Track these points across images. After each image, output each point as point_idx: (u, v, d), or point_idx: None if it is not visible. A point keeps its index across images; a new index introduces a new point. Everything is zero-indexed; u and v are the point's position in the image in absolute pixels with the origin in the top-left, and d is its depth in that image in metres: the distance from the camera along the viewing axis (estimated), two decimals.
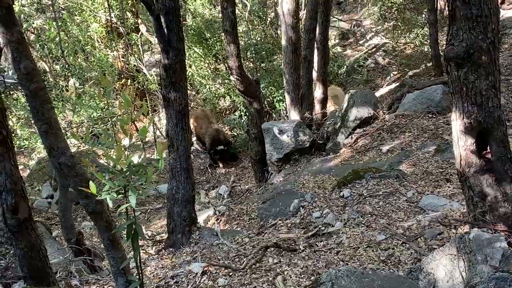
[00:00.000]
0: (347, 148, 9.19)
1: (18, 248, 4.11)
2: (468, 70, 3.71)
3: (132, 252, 3.52)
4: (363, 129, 9.35)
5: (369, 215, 6.01)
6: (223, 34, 9.51)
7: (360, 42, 17.84)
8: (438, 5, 12.31)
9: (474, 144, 3.88)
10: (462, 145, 3.95)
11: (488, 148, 3.89)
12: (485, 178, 3.91)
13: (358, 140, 9.17)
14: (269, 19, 15.77)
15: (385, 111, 9.57)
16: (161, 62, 6.56)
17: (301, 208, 6.77)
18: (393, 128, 9.06)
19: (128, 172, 3.17)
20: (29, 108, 3.59)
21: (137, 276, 3.57)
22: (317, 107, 11.04)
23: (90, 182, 3.19)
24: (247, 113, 11.32)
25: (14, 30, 3.33)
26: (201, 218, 8.49)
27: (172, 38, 6.41)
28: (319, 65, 10.96)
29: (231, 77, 9.35)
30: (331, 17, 14.77)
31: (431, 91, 9.33)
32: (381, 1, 15.76)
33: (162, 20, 6.40)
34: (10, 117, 14.05)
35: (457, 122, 3.92)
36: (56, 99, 12.41)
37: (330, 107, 11.46)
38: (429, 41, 11.57)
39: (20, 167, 15.71)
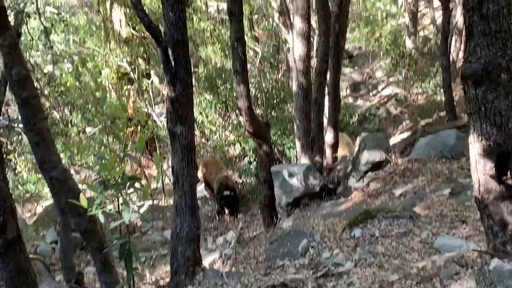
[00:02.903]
0: (358, 192, 8.92)
1: (5, 271, 3.85)
2: (487, 88, 3.51)
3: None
4: (374, 173, 9.11)
5: (382, 256, 5.70)
6: (233, 82, 9.43)
7: (372, 93, 17.78)
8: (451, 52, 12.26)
9: (494, 169, 3.64)
10: (481, 170, 3.71)
11: (508, 173, 3.65)
12: (505, 205, 3.66)
13: (370, 184, 8.91)
14: (280, 66, 15.78)
15: (397, 156, 9.34)
16: (167, 95, 6.43)
17: (310, 248, 6.47)
18: (405, 172, 8.81)
19: (121, 185, 2.94)
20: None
21: None
22: (328, 152, 10.84)
23: (81, 195, 2.97)
24: (256, 157, 11.13)
25: (7, 34, 3.18)
26: (206, 261, 8.21)
27: (179, 71, 6.29)
28: (330, 110, 10.83)
29: (240, 118, 9.23)
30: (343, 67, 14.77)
31: (445, 135, 9.13)
32: (393, 53, 15.75)
33: (170, 52, 6.30)
34: (18, 161, 13.98)
35: (475, 145, 3.69)
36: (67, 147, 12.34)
37: (341, 153, 11.26)
38: (441, 89, 11.47)
39: (27, 214, 15.62)
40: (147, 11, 6.83)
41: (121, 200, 3.01)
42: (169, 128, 6.57)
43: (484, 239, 4.11)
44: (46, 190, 13.96)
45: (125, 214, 2.97)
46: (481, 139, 3.60)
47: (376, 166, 9.18)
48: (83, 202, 2.94)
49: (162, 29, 6.47)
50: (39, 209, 15.25)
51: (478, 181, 3.75)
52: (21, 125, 14.50)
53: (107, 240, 3.55)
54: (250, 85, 9.44)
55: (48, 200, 14.49)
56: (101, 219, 3.01)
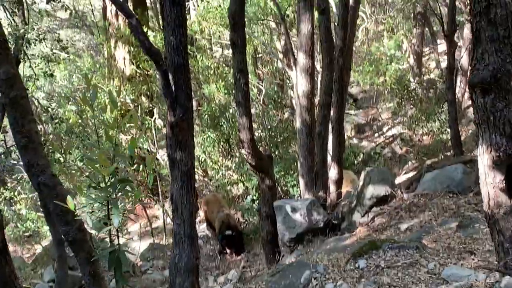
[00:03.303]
0: (363, 227, 8.70)
1: None
2: (495, 97, 3.35)
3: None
4: (380, 207, 8.90)
5: (387, 287, 5.49)
6: (236, 113, 9.33)
7: (377, 134, 17.69)
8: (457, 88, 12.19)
9: (504, 181, 3.45)
10: (490, 183, 3.52)
11: None
12: None
13: (375, 219, 8.69)
14: (284, 103, 15.76)
15: (403, 191, 9.14)
16: (167, 120, 6.31)
17: (313, 279, 6.23)
18: (411, 207, 8.60)
19: (111, 187, 2.77)
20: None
21: None
22: (332, 188, 10.63)
23: (68, 197, 2.80)
24: (259, 192, 10.95)
25: None
26: None
27: (179, 95, 6.18)
28: (334, 145, 10.67)
29: (242, 151, 9.07)
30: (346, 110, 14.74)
31: (451, 170, 8.95)
32: (398, 92, 15.74)
33: (170, 77, 6.21)
34: (18, 199, 13.83)
35: (484, 157, 3.52)
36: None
37: (346, 189, 11.05)
38: (447, 128, 11.36)
39: (27, 254, 15.36)
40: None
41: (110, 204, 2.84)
42: (169, 154, 6.41)
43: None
44: (46, 228, 13.76)
45: (115, 218, 2.79)
46: (490, 150, 3.43)
47: (381, 200, 8.97)
48: (70, 204, 2.77)
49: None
50: (39, 249, 15.04)
51: (488, 195, 3.56)
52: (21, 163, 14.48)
53: (96, 251, 3.36)
54: (253, 124, 9.32)
55: (47, 239, 14.25)
56: (89, 222, 2.83)
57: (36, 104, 13.90)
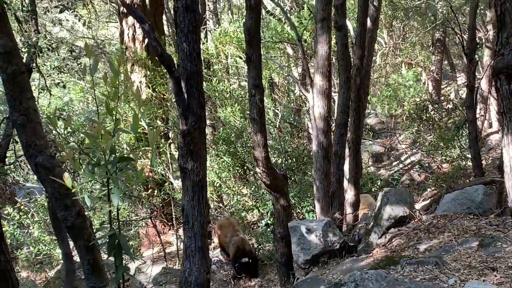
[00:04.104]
0: (380, 248, 8.42)
1: None
2: None
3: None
4: (397, 228, 8.62)
5: None
6: (251, 130, 9.19)
7: (395, 163, 17.45)
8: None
9: None
10: None
11: None
12: None
13: (393, 240, 8.41)
14: (300, 127, 15.63)
15: (421, 212, 8.88)
16: (179, 128, 6.20)
17: None
18: (430, 228, 8.32)
19: (111, 164, 2.61)
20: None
21: None
22: (348, 210, 10.39)
23: (65, 174, 2.64)
24: (273, 213, 10.73)
25: None
26: None
27: (192, 103, 6.09)
28: (351, 167, 10.46)
29: (257, 169, 8.88)
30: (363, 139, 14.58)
31: (472, 191, 8.68)
32: (416, 117, 15.55)
33: (183, 84, 6.12)
34: (30, 221, 13.74)
35: (509, 147, 3.31)
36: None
37: (362, 211, 10.80)
38: (466, 154, 11.12)
39: (39, 280, 15.19)
40: None
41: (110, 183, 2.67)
42: (180, 164, 6.28)
43: None
44: (58, 251, 13.63)
45: (115, 198, 2.62)
46: None
47: (399, 221, 8.70)
48: (67, 182, 2.61)
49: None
50: (51, 274, 14.88)
51: None
52: (34, 185, 14.41)
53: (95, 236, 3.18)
54: (269, 149, 9.17)
55: (60, 263, 14.08)
56: (88, 202, 2.66)
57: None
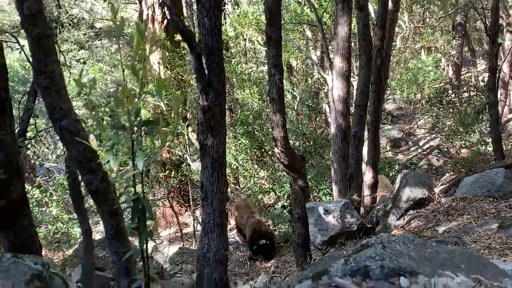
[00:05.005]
0: (399, 230, 8.39)
1: (7, 237, 3.50)
2: None
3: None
4: (416, 210, 8.58)
5: None
6: (269, 111, 9.14)
7: (413, 148, 17.33)
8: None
9: None
10: None
11: None
12: None
13: (411, 222, 8.38)
14: (318, 110, 15.57)
15: (441, 195, 8.81)
16: (199, 104, 6.18)
17: None
18: (449, 211, 8.28)
19: (136, 126, 2.60)
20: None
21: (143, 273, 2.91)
22: (366, 192, 10.35)
23: (91, 135, 2.63)
24: (290, 194, 10.72)
25: None
26: None
27: (212, 79, 6.05)
28: (369, 149, 10.41)
29: (275, 149, 8.84)
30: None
31: (492, 174, 8.59)
32: (436, 101, 15.40)
33: (203, 60, 6.09)
34: (50, 199, 13.86)
35: None
36: None
37: (380, 194, 10.74)
38: (486, 139, 11.00)
39: (57, 259, 15.35)
40: None
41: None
42: (200, 140, 6.27)
43: None
44: (76, 230, 13.76)
45: (139, 161, 2.62)
46: None
47: (418, 203, 8.66)
48: (92, 143, 2.61)
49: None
50: (69, 253, 15.02)
51: None
52: (53, 164, 14.53)
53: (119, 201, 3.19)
54: (288, 131, 9.13)
55: (77, 241, 14.20)
56: (112, 165, 2.66)
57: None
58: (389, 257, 2.67)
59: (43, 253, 15.16)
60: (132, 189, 2.75)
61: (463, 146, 14.63)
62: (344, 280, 2.66)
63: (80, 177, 3.22)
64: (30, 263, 3.06)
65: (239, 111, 15.18)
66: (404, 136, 19.11)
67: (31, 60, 3.11)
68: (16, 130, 4.69)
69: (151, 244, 13.54)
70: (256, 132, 14.44)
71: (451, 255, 2.77)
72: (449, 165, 14.00)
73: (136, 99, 2.70)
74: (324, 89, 16.55)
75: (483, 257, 2.98)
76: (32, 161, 12.73)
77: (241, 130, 14.39)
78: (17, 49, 8.16)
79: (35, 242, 3.63)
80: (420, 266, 2.63)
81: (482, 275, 2.64)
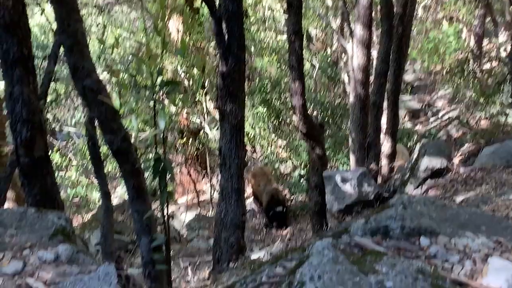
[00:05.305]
0: None
1: (30, 194, 3.56)
2: None
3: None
4: (434, 180, 8.54)
5: None
6: (289, 78, 9.10)
7: (432, 119, 17.20)
8: None
9: None
10: None
11: None
12: None
13: (429, 191, 8.35)
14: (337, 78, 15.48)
15: (459, 165, 8.76)
16: (218, 69, 6.18)
17: None
18: (468, 181, 8.22)
19: (158, 86, 2.60)
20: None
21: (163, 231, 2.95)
22: (384, 162, 10.32)
23: (113, 94, 2.65)
24: (308, 162, 10.74)
25: None
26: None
27: (232, 44, 6.04)
28: (389, 118, 10.35)
29: (293, 117, 8.84)
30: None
31: None
32: (456, 71, 15.23)
33: (224, 25, 6.06)
34: (69, 164, 14.02)
35: None
36: None
37: (398, 163, 10.71)
38: (507, 109, 10.87)
39: (75, 223, 15.59)
40: None
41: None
42: (219, 106, 6.28)
43: None
44: (95, 194, 13.92)
45: (161, 121, 2.63)
46: None
47: (436, 173, 8.62)
48: (115, 103, 2.63)
49: None
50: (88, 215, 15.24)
51: None
52: (72, 128, 14.67)
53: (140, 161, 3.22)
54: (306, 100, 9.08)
55: (96, 205, 14.39)
56: (134, 123, 2.68)
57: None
58: (409, 217, 2.68)
59: None
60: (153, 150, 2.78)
61: (483, 117, 14.48)
62: (364, 239, 2.67)
63: (100, 139, 3.26)
64: (53, 218, 3.10)
65: (257, 79, 15.12)
66: (424, 107, 18.95)
67: (52, 22, 3.11)
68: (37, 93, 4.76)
69: (170, 207, 13.74)
70: (274, 101, 14.40)
71: (472, 217, 2.77)
72: (469, 136, 13.87)
73: (158, 59, 2.70)
74: (343, 58, 16.39)
75: (503, 220, 2.97)
76: (52, 125, 12.85)
77: (259, 99, 14.37)
78: (38, 11, 8.18)
79: (57, 200, 3.69)
80: (440, 226, 2.63)
81: (502, 237, 2.64)
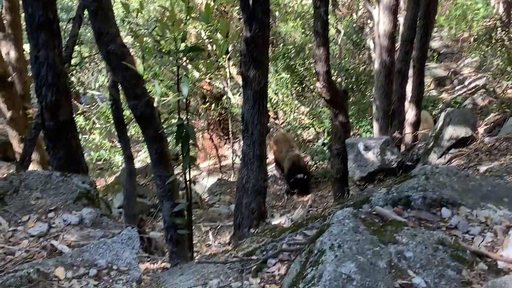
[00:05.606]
0: None
1: (55, 158, 3.61)
2: None
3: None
4: (458, 149, 8.44)
5: None
6: (312, 60, 9.01)
7: (458, 87, 16.94)
8: None
9: None
10: None
11: None
12: None
13: (452, 160, 8.27)
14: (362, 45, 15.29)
15: (484, 134, 8.65)
16: (242, 35, 6.12)
17: None
18: (492, 150, 8.13)
19: (182, 52, 2.59)
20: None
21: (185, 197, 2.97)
22: (408, 130, 10.23)
23: (138, 60, 2.64)
24: (330, 130, 10.69)
25: None
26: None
27: (256, 9, 5.96)
28: (414, 86, 10.21)
29: (317, 84, 8.76)
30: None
31: None
32: (484, 39, 14.92)
33: None
34: (93, 127, 14.15)
35: None
36: None
37: (422, 131, 10.61)
38: None
39: (99, 186, 15.81)
40: None
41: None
42: (242, 71, 6.25)
43: None
44: (118, 157, 14.06)
45: (184, 87, 2.62)
46: None
47: (461, 142, 8.51)
48: (139, 68, 2.63)
49: None
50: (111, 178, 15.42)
51: None
52: (96, 92, 14.72)
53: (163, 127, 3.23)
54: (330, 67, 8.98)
55: (119, 168, 14.54)
56: (157, 90, 2.68)
57: None
58: (431, 188, 2.67)
59: None
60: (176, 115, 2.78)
61: (510, 86, 14.22)
62: (385, 209, 2.67)
63: (124, 103, 3.26)
64: (78, 182, 3.16)
65: (281, 45, 15.00)
66: (450, 74, 18.66)
67: None
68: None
69: (192, 172, 13.84)
70: (297, 67, 14.29)
71: (494, 189, 2.74)
72: (494, 105, 13.66)
73: (182, 24, 2.68)
74: (369, 23, 16.15)
75: None
76: (76, 88, 12.91)
77: (282, 64, 14.27)
78: None
79: (82, 163, 3.74)
80: (462, 197, 2.62)
81: None
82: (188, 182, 2.99)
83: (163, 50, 2.68)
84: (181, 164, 2.97)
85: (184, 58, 2.75)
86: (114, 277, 2.55)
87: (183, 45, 2.68)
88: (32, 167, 9.54)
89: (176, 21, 2.61)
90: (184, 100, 2.73)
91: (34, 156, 9.68)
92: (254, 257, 2.77)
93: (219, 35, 14.05)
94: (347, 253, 2.10)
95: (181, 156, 2.88)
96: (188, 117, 2.83)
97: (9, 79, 10.14)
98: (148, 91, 3.11)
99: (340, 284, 1.98)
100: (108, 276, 2.55)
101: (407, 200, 2.69)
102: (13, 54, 10.55)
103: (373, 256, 2.11)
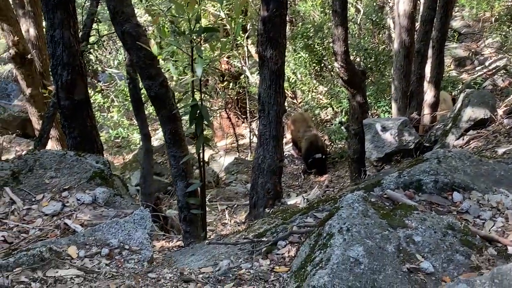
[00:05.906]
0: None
1: (70, 137, 3.65)
2: None
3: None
4: (476, 131, 8.37)
5: None
6: (332, 23, 8.92)
7: (478, 68, 16.74)
8: None
9: None
10: None
11: None
12: None
13: (470, 142, 8.20)
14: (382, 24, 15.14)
15: (503, 116, 8.55)
16: (259, 14, 6.10)
17: None
18: (511, 132, 8.07)
19: (196, 33, 2.59)
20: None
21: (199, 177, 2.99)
22: (427, 111, 10.16)
23: (151, 40, 2.65)
24: (348, 110, 10.63)
25: None
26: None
27: None
28: (433, 66, 10.11)
29: (335, 64, 8.70)
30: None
31: None
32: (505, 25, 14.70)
33: None
34: (111, 105, 14.24)
35: None
36: None
37: (441, 112, 10.53)
38: None
39: (117, 163, 15.95)
40: None
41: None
42: (259, 51, 6.24)
43: None
44: (136, 135, 14.16)
45: (198, 68, 2.63)
46: None
47: (479, 124, 8.43)
48: (153, 48, 2.64)
49: None
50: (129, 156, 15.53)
51: None
52: (114, 70, 14.79)
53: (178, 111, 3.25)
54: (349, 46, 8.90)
55: (137, 146, 14.65)
56: (172, 71, 2.69)
57: None
58: (443, 172, 2.66)
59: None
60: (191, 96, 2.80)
61: None
62: (396, 192, 2.67)
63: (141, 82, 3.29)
64: (92, 161, 3.19)
65: (300, 23, 14.89)
66: (470, 55, 18.44)
67: None
68: (80, 34, 4.82)
69: (207, 152, 13.89)
70: (316, 46, 14.19)
71: (507, 173, 2.73)
72: None
73: (197, 5, 2.68)
74: (389, 2, 15.97)
75: None
76: (95, 66, 12.98)
77: (301, 44, 14.18)
78: None
79: (97, 143, 3.77)
80: (474, 182, 2.61)
81: None
82: (202, 163, 3.00)
83: (178, 31, 2.68)
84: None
85: (199, 39, 2.75)
86: (126, 256, 2.59)
87: (197, 25, 2.68)
88: (50, 144, 9.66)
89: (191, 2, 2.61)
90: (199, 81, 2.73)
91: (53, 133, 9.79)
92: (264, 238, 2.79)
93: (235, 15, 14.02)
94: (355, 237, 2.11)
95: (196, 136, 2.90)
96: (206, 96, 2.84)
97: (29, 56, 10.23)
98: (163, 71, 3.13)
99: (347, 267, 2.00)
100: (120, 255, 2.59)
101: (418, 184, 2.69)
102: (32, 32, 10.62)
103: (381, 240, 2.12)
